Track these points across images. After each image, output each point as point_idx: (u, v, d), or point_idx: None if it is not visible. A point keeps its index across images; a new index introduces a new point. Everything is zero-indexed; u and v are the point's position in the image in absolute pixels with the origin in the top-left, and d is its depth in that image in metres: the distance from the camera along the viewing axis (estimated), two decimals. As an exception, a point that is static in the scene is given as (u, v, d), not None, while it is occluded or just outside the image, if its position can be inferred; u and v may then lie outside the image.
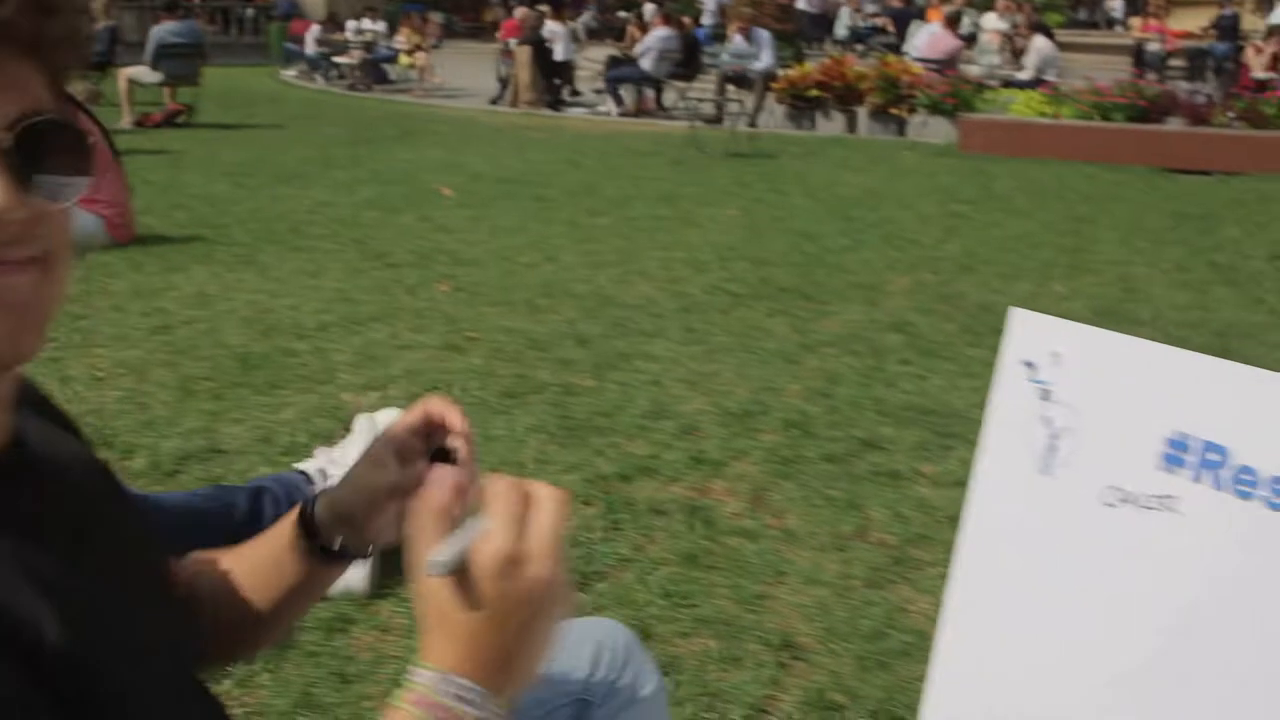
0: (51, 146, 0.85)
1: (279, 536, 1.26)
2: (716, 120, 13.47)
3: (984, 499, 1.54)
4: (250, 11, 27.67)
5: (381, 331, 4.92)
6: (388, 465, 1.18)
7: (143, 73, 13.63)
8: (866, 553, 2.97)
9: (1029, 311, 1.51)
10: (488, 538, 0.86)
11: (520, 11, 18.71)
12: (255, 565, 1.27)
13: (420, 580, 0.87)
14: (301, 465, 2.87)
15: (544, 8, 18.03)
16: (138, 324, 4.98)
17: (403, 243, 6.87)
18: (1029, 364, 1.51)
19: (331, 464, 2.81)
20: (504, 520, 0.87)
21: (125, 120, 13.16)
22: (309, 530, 1.23)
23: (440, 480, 0.93)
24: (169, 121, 13.50)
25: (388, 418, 2.92)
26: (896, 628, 2.57)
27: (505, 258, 6.51)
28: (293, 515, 1.26)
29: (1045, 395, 1.50)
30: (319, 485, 2.78)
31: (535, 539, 0.87)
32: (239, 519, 2.55)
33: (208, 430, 3.73)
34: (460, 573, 0.85)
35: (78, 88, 14.88)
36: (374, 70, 19.63)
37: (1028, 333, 1.52)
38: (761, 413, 3.98)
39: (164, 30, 13.85)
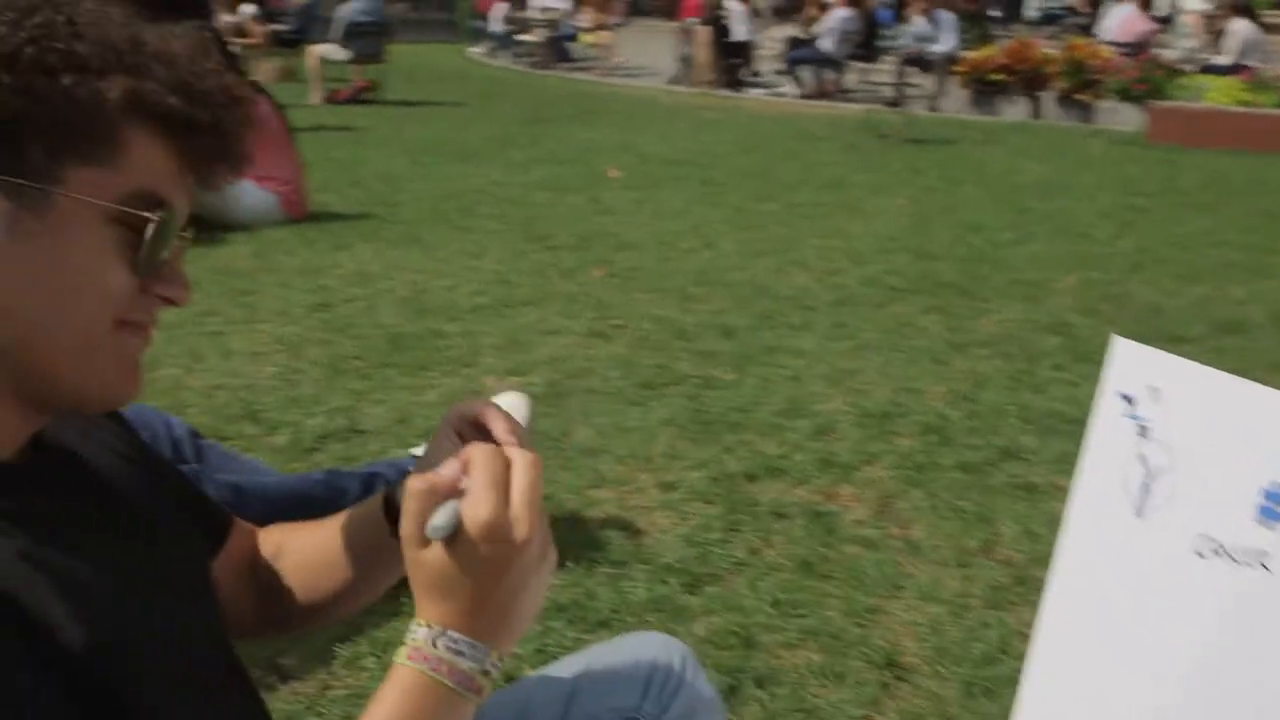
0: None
1: (366, 514, 1.30)
2: (895, 104, 13.21)
3: (1076, 536, 1.47)
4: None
5: (531, 315, 4.98)
6: (446, 446, 1.20)
7: (332, 50, 14.04)
8: (990, 570, 2.87)
9: (1130, 341, 1.43)
10: (474, 503, 0.93)
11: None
12: (339, 540, 1.31)
13: (412, 548, 0.94)
14: (418, 451, 2.91)
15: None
16: (300, 300, 5.15)
17: (566, 225, 6.93)
18: (1127, 398, 1.44)
19: (451, 451, 2.85)
20: (486, 485, 0.94)
21: (314, 97, 13.58)
22: (389, 510, 1.27)
23: (451, 460, 0.98)
24: (356, 98, 13.89)
25: (509, 401, 2.94)
26: (1010, 653, 2.48)
27: (665, 242, 6.51)
28: (380, 495, 1.29)
29: (1143, 432, 1.43)
30: None
31: (517, 502, 0.94)
32: (348, 504, 2.60)
33: (350, 410, 3.83)
34: (452, 536, 0.93)
35: (269, 65, 15.46)
36: (557, 49, 19.83)
37: (1128, 363, 1.44)
38: (900, 415, 3.89)
39: (352, 9, 14.23)
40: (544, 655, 2.45)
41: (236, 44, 12.19)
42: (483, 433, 1.18)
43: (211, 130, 0.94)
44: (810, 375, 4.29)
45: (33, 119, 0.86)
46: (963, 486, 3.36)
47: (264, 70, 15.85)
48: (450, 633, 0.95)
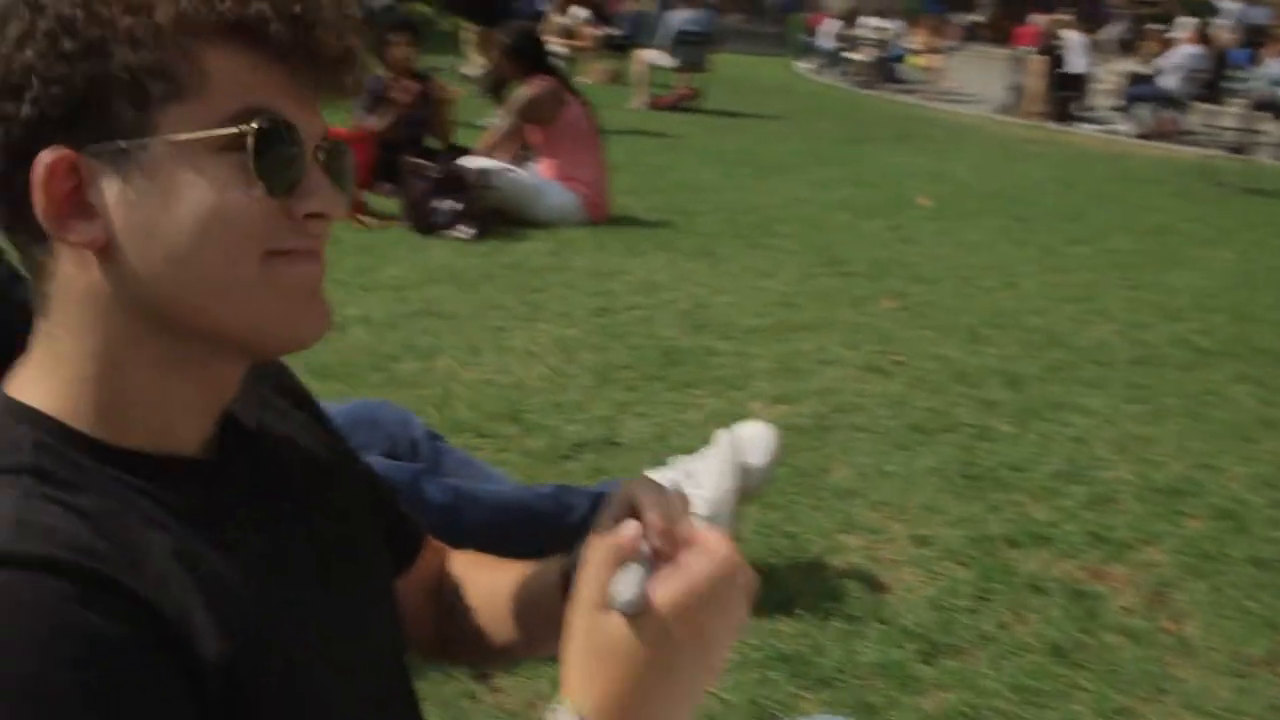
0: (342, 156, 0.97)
1: (544, 578, 1.21)
2: (1239, 150, 12.32)
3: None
4: (779, 2, 28.36)
5: (809, 342, 4.85)
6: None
7: (659, 57, 14.27)
8: (1270, 686, 2.56)
9: None
10: (669, 579, 0.84)
11: (1039, 19, 17.96)
12: (514, 596, 1.23)
13: (586, 613, 0.86)
14: (655, 473, 2.83)
15: (1065, 16, 17.21)
16: (583, 304, 5.19)
17: (863, 250, 6.76)
18: None
19: (687, 476, 2.75)
20: (687, 566, 0.85)
21: (638, 101, 13.83)
22: (565, 581, 1.18)
23: (631, 526, 0.90)
24: (678, 106, 14.07)
25: (749, 433, 2.82)
26: (1279, 786, 2.20)
27: (962, 277, 6.25)
28: (558, 562, 1.21)
29: None
30: None
31: (708, 588, 0.85)
32: (574, 521, 2.55)
33: (611, 420, 3.81)
34: (638, 613, 0.83)
35: (598, 67, 15.84)
36: (884, 69, 19.55)
37: None
38: (1191, 494, 3.56)
39: (681, 18, 14.43)
40: (757, 707, 2.33)
41: (565, 45, 12.52)
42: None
43: (283, 24, 0.85)
44: (1096, 438, 3.99)
45: (108, 76, 0.82)
46: (1253, 584, 3.02)
47: (592, 72, 16.30)
48: None
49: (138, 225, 0.85)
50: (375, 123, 7.20)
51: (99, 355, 0.88)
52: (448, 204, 6.45)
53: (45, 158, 0.82)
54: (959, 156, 11.54)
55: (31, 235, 0.86)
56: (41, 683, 0.73)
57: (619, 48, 16.58)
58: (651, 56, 14.24)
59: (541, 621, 1.19)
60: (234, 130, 0.83)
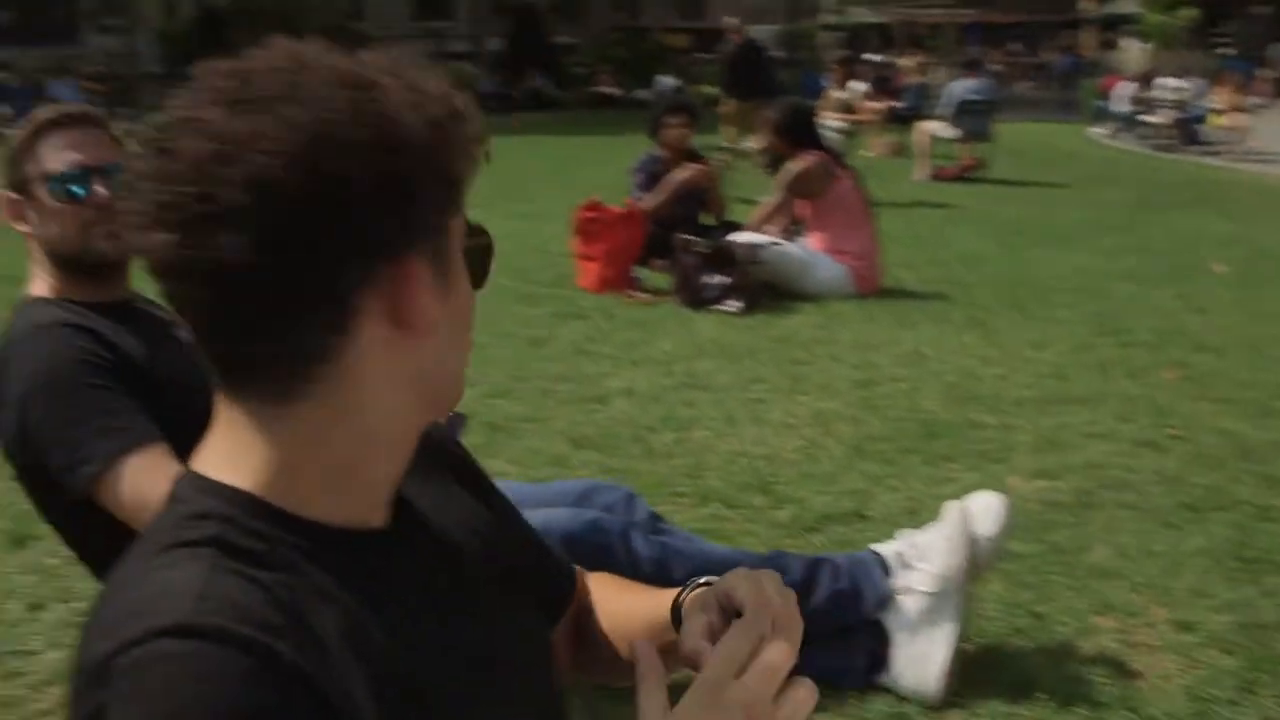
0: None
1: (659, 609, 1.27)
2: None
3: None
4: (1065, 66, 27.59)
5: (1080, 415, 4.68)
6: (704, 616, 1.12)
7: (941, 127, 14.12)
8: None
9: None
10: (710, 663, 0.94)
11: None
12: (636, 618, 1.29)
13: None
14: (879, 546, 2.80)
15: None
16: (846, 376, 5.19)
17: (1146, 319, 6.47)
18: None
19: (912, 548, 2.71)
20: (723, 654, 0.94)
21: (920, 173, 13.70)
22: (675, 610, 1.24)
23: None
24: (961, 176, 13.86)
25: (980, 504, 2.76)
26: None
27: (1254, 347, 5.88)
28: (670, 598, 1.26)
29: None
30: (894, 570, 2.69)
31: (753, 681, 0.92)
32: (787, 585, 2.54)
33: (862, 493, 3.79)
34: None
35: (880, 140, 15.76)
36: (1185, 130, 18.66)
37: None
38: None
39: (963, 87, 14.26)
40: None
41: (845, 119, 12.56)
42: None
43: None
44: (1396, 520, 3.68)
45: (432, 188, 0.96)
46: None
47: (875, 145, 16.29)
48: None
49: (449, 314, 1.00)
50: (648, 201, 7.43)
51: (352, 434, 0.98)
52: (717, 279, 6.58)
53: (406, 262, 0.95)
54: (1261, 220, 10.88)
55: (328, 325, 0.94)
56: None
57: (902, 120, 16.50)
58: (933, 127, 14.10)
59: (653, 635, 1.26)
60: (481, 241, 1.11)
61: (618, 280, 6.97)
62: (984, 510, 2.70)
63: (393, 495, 1.06)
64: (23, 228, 2.21)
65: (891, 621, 2.64)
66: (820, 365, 5.38)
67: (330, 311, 0.93)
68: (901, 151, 15.87)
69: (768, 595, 1.06)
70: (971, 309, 6.65)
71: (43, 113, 2.26)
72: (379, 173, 0.91)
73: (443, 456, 1.25)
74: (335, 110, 0.90)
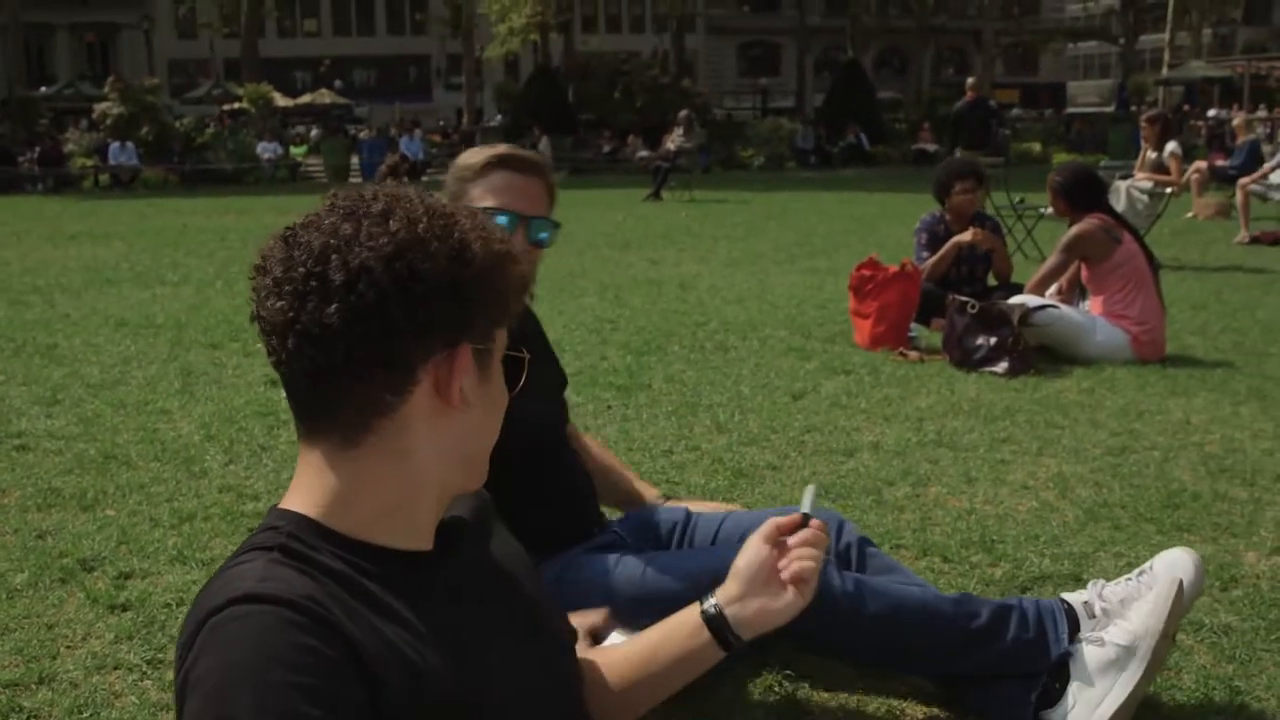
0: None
1: (685, 636, 1.57)
2: None
3: None
4: None
5: (1348, 492, 4.50)
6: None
7: (1264, 188, 13.45)
8: None
9: None
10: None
11: None
12: (652, 661, 1.58)
13: (751, 543, 1.65)
14: (1069, 595, 2.84)
15: None
16: (1100, 441, 5.15)
17: None
18: None
19: (1099, 599, 2.75)
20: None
21: (1241, 236, 13.09)
22: (716, 626, 1.55)
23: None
24: (1287, 239, 13.15)
25: (1171, 559, 2.77)
26: None
27: None
28: (696, 617, 1.56)
29: None
30: (1083, 621, 2.72)
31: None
32: (973, 629, 2.61)
33: (1083, 557, 3.81)
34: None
35: (1203, 201, 15.09)
36: None
37: None
38: None
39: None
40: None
41: (1155, 180, 12.17)
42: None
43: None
44: None
45: (485, 299, 1.28)
46: None
47: (1199, 206, 15.65)
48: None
49: (483, 399, 1.32)
50: (929, 261, 7.54)
51: (399, 476, 1.29)
52: (988, 340, 6.61)
53: (466, 347, 1.28)
54: None
55: (391, 386, 1.25)
56: (273, 681, 1.12)
57: (1230, 180, 15.77)
58: (1257, 188, 13.43)
59: (687, 668, 1.55)
60: (518, 355, 1.42)
61: (889, 338, 7.11)
62: (1174, 565, 2.72)
63: (434, 528, 1.36)
64: None
65: (1074, 664, 2.65)
66: (1076, 429, 5.36)
67: (394, 376, 1.25)
68: (1227, 213, 15.19)
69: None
70: (1258, 380, 6.40)
71: (499, 147, 2.56)
72: (449, 277, 1.22)
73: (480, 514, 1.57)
74: (422, 226, 1.22)
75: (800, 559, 1.60)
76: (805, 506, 1.70)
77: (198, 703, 1.12)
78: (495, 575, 1.43)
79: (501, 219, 2.42)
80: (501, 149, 2.54)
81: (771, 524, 1.64)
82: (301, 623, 1.14)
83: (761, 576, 1.59)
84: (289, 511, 1.30)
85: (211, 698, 1.11)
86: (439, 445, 1.29)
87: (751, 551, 1.61)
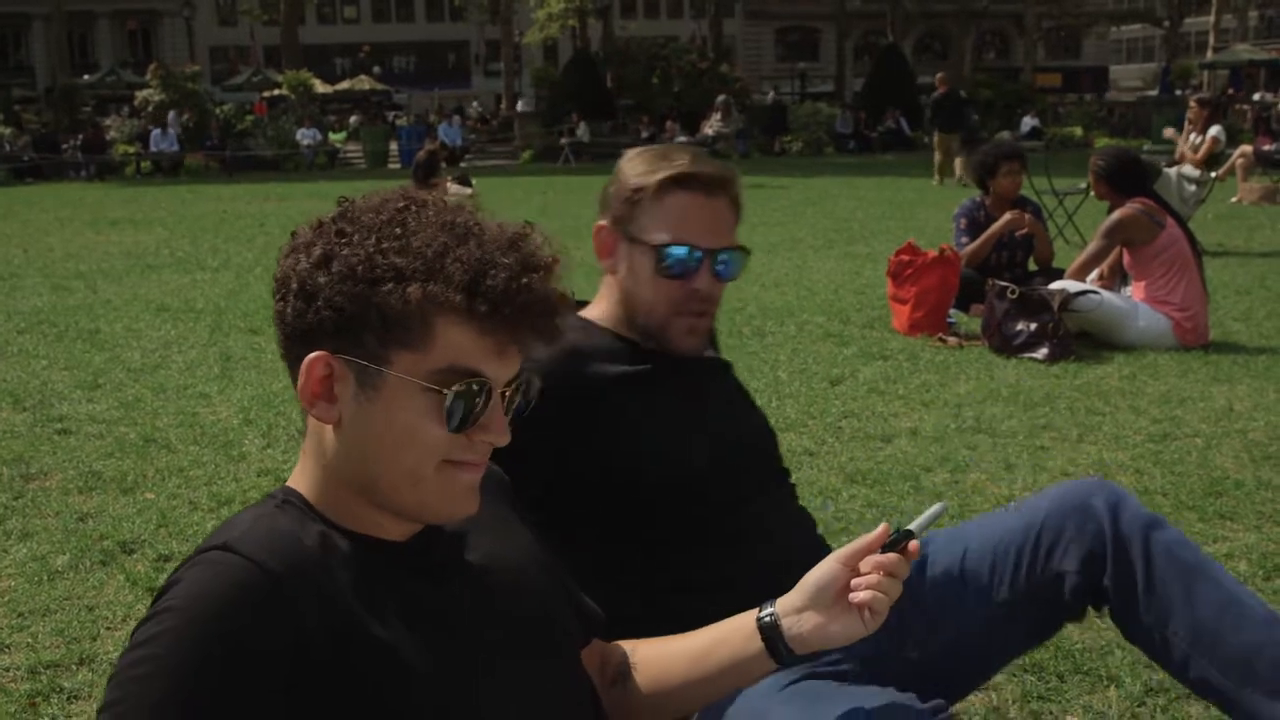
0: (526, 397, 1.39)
1: (734, 644, 1.52)
2: None
3: None
4: None
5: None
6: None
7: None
8: None
9: None
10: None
11: None
12: (696, 664, 1.54)
13: (827, 561, 1.51)
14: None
15: None
16: (1142, 428, 5.10)
17: None
18: None
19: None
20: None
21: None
22: (770, 635, 1.50)
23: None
24: (1335, 224, 12.98)
25: None
26: None
27: None
28: (752, 627, 1.49)
29: None
30: None
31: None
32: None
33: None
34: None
35: (1250, 185, 14.91)
36: None
37: None
38: None
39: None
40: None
41: (1198, 164, 12.01)
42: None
43: (499, 317, 1.23)
44: None
45: (365, 317, 1.22)
46: None
47: (1244, 190, 15.45)
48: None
49: (360, 422, 1.27)
50: (969, 246, 7.48)
51: (327, 481, 1.32)
52: (1028, 325, 6.55)
53: (314, 354, 1.26)
54: None
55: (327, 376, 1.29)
56: (198, 638, 1.16)
57: (1276, 164, 15.60)
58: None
59: (732, 677, 1.52)
60: (437, 389, 1.24)
61: (928, 323, 7.06)
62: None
63: (413, 528, 1.36)
64: (607, 263, 2.12)
65: None
66: (1118, 416, 5.30)
67: (294, 375, 1.28)
68: (1273, 197, 15.01)
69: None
70: (1304, 366, 6.33)
71: (676, 158, 2.05)
72: (336, 282, 1.25)
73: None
74: (368, 219, 1.30)
75: (872, 587, 1.44)
76: (917, 524, 1.51)
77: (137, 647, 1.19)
78: (479, 582, 1.40)
79: (678, 252, 2.01)
80: (681, 162, 2.04)
81: (855, 545, 1.49)
82: (259, 594, 1.19)
83: (828, 596, 1.47)
84: (290, 488, 1.37)
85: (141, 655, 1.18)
86: (340, 470, 1.31)
87: (825, 568, 1.49)
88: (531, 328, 1.27)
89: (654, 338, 2.08)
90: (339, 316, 1.23)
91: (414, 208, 1.28)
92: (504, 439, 1.30)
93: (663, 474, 2.02)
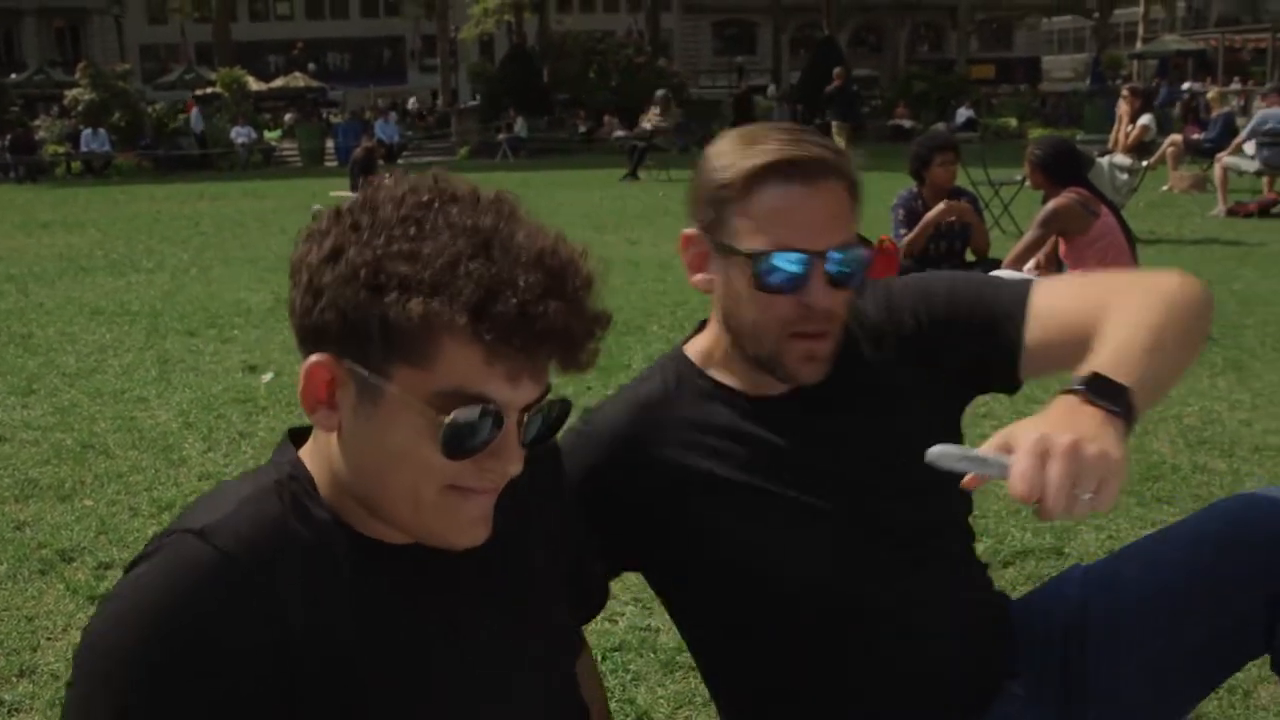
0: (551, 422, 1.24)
1: None
2: None
3: None
4: None
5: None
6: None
7: (1238, 161, 13.50)
8: None
9: None
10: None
11: None
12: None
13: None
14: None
15: None
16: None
17: None
18: None
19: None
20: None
21: (1218, 209, 13.14)
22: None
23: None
24: (1263, 211, 13.20)
25: None
26: None
27: None
28: None
29: None
30: None
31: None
32: None
33: (1065, 530, 3.83)
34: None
35: (1179, 174, 15.13)
36: None
37: None
38: None
39: (1269, 115, 13.56)
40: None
41: (1130, 154, 12.19)
42: None
43: (507, 340, 1.10)
44: None
45: (368, 325, 1.12)
46: None
47: (1175, 179, 15.69)
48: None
49: (359, 435, 1.18)
50: (906, 237, 7.54)
51: (334, 478, 1.25)
52: (966, 315, 6.60)
53: (315, 357, 1.17)
54: None
55: (333, 380, 1.22)
56: (159, 623, 1.11)
57: (1205, 153, 15.85)
58: (1231, 161, 13.48)
59: None
60: (433, 414, 1.13)
61: (868, 314, 7.09)
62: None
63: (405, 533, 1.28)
64: (700, 279, 1.77)
65: None
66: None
67: (337, 369, 1.19)
68: (1202, 186, 15.25)
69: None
70: (1234, 351, 6.44)
71: (766, 139, 1.66)
72: (343, 284, 1.15)
73: (554, 496, 1.47)
74: (384, 214, 1.19)
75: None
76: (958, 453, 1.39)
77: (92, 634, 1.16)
78: (480, 582, 1.34)
79: (779, 260, 1.62)
80: (770, 147, 1.63)
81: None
82: (226, 589, 1.14)
83: None
84: (300, 463, 1.29)
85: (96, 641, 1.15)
86: (342, 476, 1.24)
87: None
88: (550, 357, 1.15)
89: (767, 370, 1.71)
90: (342, 321, 1.13)
91: (438, 203, 1.15)
92: (516, 467, 1.18)
93: (762, 590, 1.72)
